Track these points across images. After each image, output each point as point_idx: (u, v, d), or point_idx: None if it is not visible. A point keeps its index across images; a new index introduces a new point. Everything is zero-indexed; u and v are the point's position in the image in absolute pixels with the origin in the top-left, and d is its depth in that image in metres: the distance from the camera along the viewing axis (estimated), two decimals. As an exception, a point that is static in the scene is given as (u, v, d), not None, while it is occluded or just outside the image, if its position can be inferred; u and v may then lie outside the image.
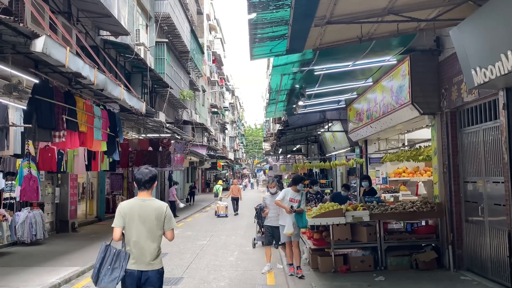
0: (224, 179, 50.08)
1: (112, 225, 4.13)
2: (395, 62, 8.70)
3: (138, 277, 3.95)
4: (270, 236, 8.43)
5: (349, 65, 8.60)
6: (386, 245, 7.91)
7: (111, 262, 3.96)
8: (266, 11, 5.11)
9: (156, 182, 4.25)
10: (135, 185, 4.18)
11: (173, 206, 18.68)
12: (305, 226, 7.97)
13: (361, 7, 5.64)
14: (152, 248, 4.02)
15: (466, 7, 5.67)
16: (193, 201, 28.10)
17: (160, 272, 4.09)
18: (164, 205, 4.15)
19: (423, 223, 8.82)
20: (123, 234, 4.07)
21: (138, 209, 4.06)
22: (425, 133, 10.16)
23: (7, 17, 5.79)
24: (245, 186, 55.29)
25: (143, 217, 4.03)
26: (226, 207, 20.23)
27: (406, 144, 11.91)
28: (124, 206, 4.12)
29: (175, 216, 17.77)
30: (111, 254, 4.00)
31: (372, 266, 7.77)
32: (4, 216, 9.99)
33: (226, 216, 19.65)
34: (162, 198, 24.85)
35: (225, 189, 33.13)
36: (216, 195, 23.48)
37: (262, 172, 69.09)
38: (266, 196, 8.65)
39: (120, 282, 3.92)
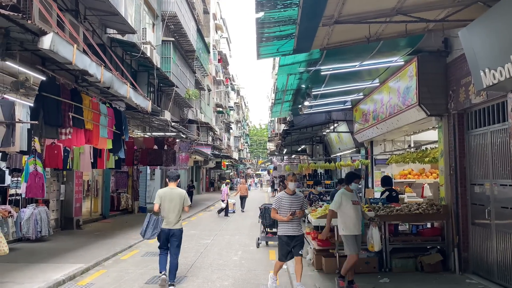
0: (229, 179, 50.14)
1: (154, 202, 7.06)
2: (403, 63, 8.65)
3: (167, 232, 6.94)
4: (287, 247, 6.58)
5: (356, 65, 8.57)
6: (391, 247, 7.86)
7: (153, 224, 6.88)
8: (273, 10, 5.09)
9: (179, 179, 7.26)
10: (166, 179, 7.15)
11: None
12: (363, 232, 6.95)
13: (370, 7, 5.60)
14: (176, 216, 6.97)
15: (475, 8, 5.62)
16: (191, 201, 26.92)
17: (181, 230, 7.06)
18: (184, 191, 7.18)
19: (429, 225, 8.77)
20: (159, 208, 6.92)
21: (168, 194, 7.02)
22: (432, 134, 10.12)
23: (15, 14, 5.81)
24: (250, 185, 55.54)
25: (171, 198, 6.98)
26: (234, 204, 21.45)
27: (412, 145, 11.85)
28: (160, 192, 7.08)
29: (226, 215, 19.27)
30: (152, 220, 6.91)
31: (376, 267, 7.73)
32: (9, 212, 10.03)
33: (234, 212, 20.87)
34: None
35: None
36: None
37: (266, 172, 69.04)
38: (281, 196, 6.70)
39: (157, 236, 6.92)
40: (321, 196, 12.64)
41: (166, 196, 6.96)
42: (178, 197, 6.98)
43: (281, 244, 6.66)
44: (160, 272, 6.99)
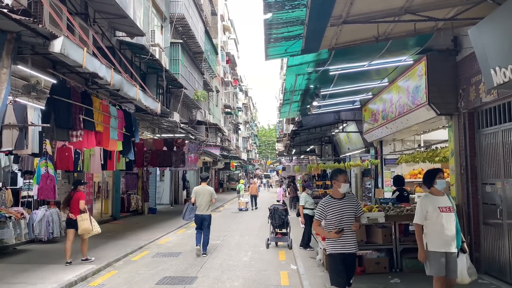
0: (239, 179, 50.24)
1: (191, 196, 10.21)
2: (412, 62, 8.61)
3: (200, 217, 9.84)
4: (341, 268, 4.91)
5: (364, 65, 8.54)
6: (401, 247, 7.82)
7: (190, 210, 10.14)
8: (281, 11, 5.09)
9: (208, 179, 10.43)
10: (200, 180, 10.45)
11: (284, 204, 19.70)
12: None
13: (378, 7, 5.59)
14: (206, 206, 9.86)
15: (485, 6, 5.57)
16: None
17: (209, 215, 9.97)
18: (211, 188, 10.08)
19: (440, 225, 8.68)
20: (195, 200, 9.91)
21: (201, 190, 9.93)
22: (442, 134, 10.03)
23: (27, 19, 5.89)
24: (259, 186, 55.62)
25: (203, 193, 9.88)
26: (247, 202, 23.79)
27: (422, 145, 11.76)
28: (195, 189, 10.07)
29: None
30: (189, 208, 10.16)
31: (387, 268, 7.69)
32: (22, 214, 10.18)
33: (246, 210, 23.24)
34: (175, 195, 25.42)
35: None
36: (238, 191, 26.68)
37: (275, 172, 68.96)
38: (326, 202, 5.04)
39: (193, 219, 9.93)
40: None
41: (199, 192, 9.91)
42: (207, 192, 9.91)
43: (333, 265, 4.99)
44: (196, 245, 9.94)
